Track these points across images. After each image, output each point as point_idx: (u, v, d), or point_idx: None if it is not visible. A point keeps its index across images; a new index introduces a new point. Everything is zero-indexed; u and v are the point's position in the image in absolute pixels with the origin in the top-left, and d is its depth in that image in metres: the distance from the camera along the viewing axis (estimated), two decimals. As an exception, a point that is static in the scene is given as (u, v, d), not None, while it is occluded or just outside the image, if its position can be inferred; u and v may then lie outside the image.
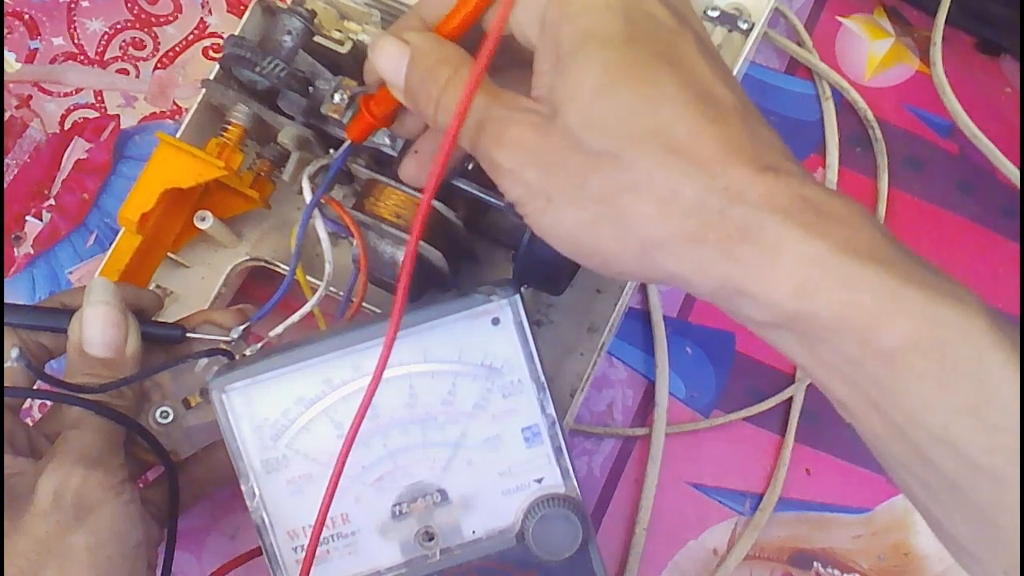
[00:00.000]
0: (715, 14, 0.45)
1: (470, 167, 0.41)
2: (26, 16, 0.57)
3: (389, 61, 0.32)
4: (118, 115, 0.56)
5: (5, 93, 0.56)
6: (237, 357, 0.40)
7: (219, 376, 0.37)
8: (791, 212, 0.26)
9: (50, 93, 0.56)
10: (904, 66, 0.58)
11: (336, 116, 0.40)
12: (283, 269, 0.48)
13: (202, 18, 0.57)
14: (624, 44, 0.28)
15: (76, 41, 0.57)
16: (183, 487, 0.40)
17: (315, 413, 0.37)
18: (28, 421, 0.40)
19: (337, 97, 0.40)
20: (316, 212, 0.41)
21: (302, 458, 0.37)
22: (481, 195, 0.41)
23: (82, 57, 0.56)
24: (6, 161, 0.55)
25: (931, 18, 0.58)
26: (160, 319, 0.42)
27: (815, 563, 0.52)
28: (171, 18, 0.57)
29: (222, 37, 0.56)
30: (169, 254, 0.47)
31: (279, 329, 0.42)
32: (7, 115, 0.55)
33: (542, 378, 0.37)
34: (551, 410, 0.37)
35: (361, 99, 0.37)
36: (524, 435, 0.38)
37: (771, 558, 0.52)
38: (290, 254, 0.45)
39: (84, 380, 0.37)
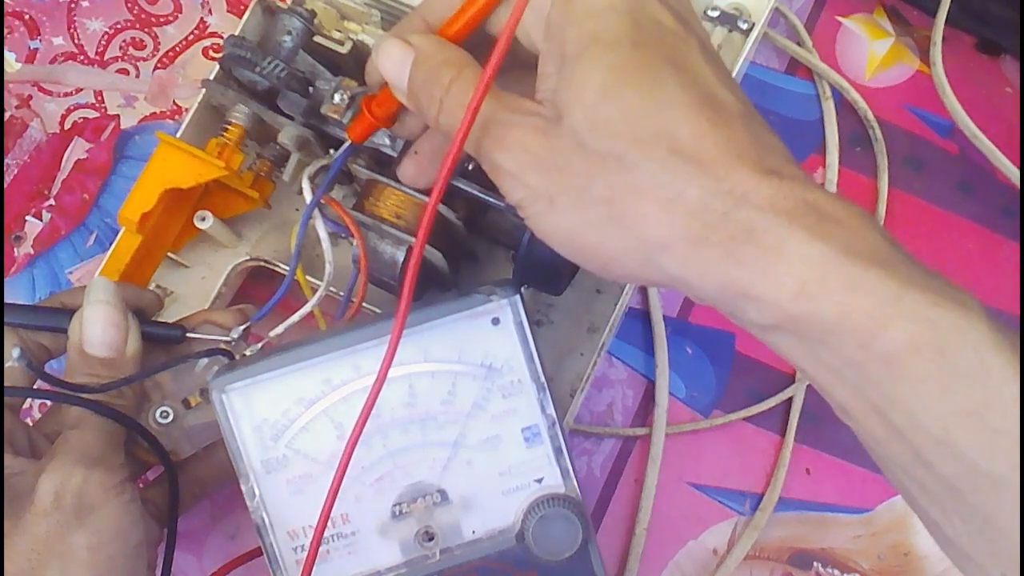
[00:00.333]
0: (715, 14, 0.45)
1: (470, 167, 0.41)
2: (26, 16, 0.57)
3: (392, 63, 0.32)
4: (118, 115, 0.56)
5: (5, 93, 0.56)
6: (237, 357, 0.40)
7: (219, 376, 0.37)
8: (794, 215, 0.27)
9: (50, 93, 0.56)
10: (904, 66, 0.58)
11: (336, 116, 0.40)
12: (283, 269, 0.48)
13: (202, 18, 0.57)
14: (630, 47, 0.28)
15: (76, 41, 0.57)
16: (183, 487, 0.40)
17: (315, 413, 0.37)
18: (28, 421, 0.40)
19: (337, 97, 0.40)
20: (316, 212, 0.41)
21: (302, 458, 0.37)
22: (481, 195, 0.41)
23: (82, 57, 0.56)
24: (6, 161, 0.55)
25: (931, 18, 0.58)
26: (160, 319, 0.42)
27: (815, 563, 0.52)
28: (171, 18, 0.57)
29: (222, 37, 0.56)
30: (169, 254, 0.47)
31: (279, 329, 0.42)
32: (7, 115, 0.55)
33: (542, 378, 0.37)
34: (551, 410, 0.37)
35: (362, 100, 0.37)
36: (524, 435, 0.38)
37: (771, 558, 0.52)
38: (290, 254, 0.45)
39: (84, 380, 0.37)
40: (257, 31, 0.46)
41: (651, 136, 0.28)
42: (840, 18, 0.59)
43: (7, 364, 0.37)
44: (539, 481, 0.38)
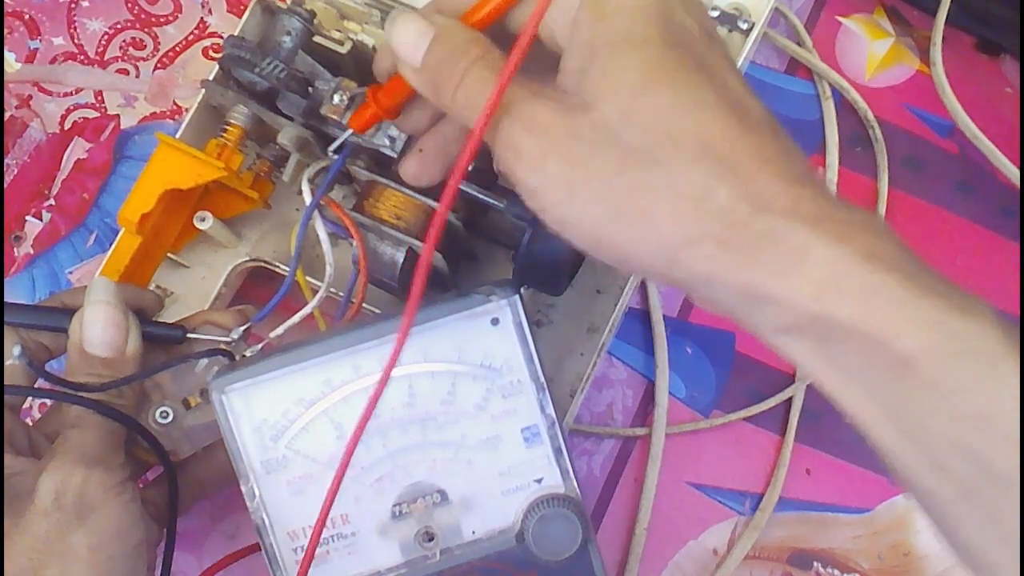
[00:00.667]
0: (715, 14, 0.45)
1: (470, 168, 0.41)
2: (26, 16, 0.57)
3: (410, 35, 0.32)
4: (118, 115, 0.56)
5: (5, 93, 0.56)
6: (237, 358, 0.40)
7: (219, 377, 0.37)
8: (816, 221, 0.27)
9: (50, 93, 0.56)
10: (904, 66, 0.58)
11: (335, 117, 0.40)
12: (283, 270, 0.48)
13: (202, 18, 0.57)
14: (663, 46, 0.29)
15: (76, 41, 0.57)
16: (183, 487, 0.40)
17: (315, 414, 0.37)
18: (28, 421, 0.40)
19: (336, 98, 0.40)
20: (316, 213, 0.41)
21: (302, 459, 0.37)
22: (481, 196, 0.41)
23: (82, 57, 0.56)
24: (6, 161, 0.55)
25: (931, 18, 0.58)
26: (160, 319, 0.42)
27: (815, 563, 0.52)
28: (171, 18, 0.57)
29: (222, 37, 0.56)
30: (169, 254, 0.47)
31: (279, 330, 0.42)
32: (7, 115, 0.55)
33: (542, 378, 0.37)
34: (551, 410, 0.37)
35: (369, 88, 0.37)
36: (524, 435, 0.38)
37: (771, 558, 0.52)
38: (290, 255, 0.45)
39: (84, 379, 0.37)
40: (257, 31, 0.46)
41: (683, 135, 0.28)
42: (840, 18, 0.59)
43: (9, 361, 0.37)
44: (539, 481, 0.38)
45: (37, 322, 0.39)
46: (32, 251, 0.54)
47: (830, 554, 0.52)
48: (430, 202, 0.41)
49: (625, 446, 0.53)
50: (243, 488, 0.37)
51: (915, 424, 0.27)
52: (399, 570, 0.38)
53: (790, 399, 0.53)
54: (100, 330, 0.37)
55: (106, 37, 0.57)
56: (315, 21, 0.43)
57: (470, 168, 0.41)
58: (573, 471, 0.38)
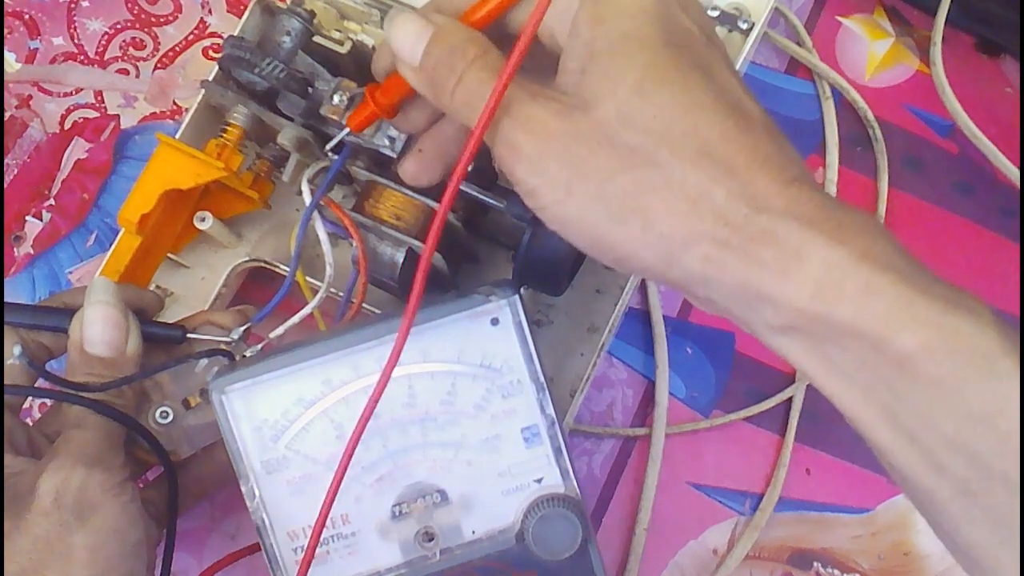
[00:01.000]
0: (715, 14, 0.45)
1: (470, 168, 0.41)
2: (26, 16, 0.57)
3: (408, 34, 0.32)
4: (118, 115, 0.56)
5: (5, 93, 0.56)
6: (237, 358, 0.40)
7: (219, 377, 0.37)
8: (814, 221, 0.27)
9: (50, 93, 0.56)
10: (904, 66, 0.58)
11: (335, 118, 0.40)
12: (283, 270, 0.48)
13: (202, 18, 0.57)
14: (662, 48, 0.29)
15: (76, 41, 0.57)
16: (183, 487, 0.40)
17: (315, 414, 0.37)
18: (28, 421, 0.40)
19: (336, 98, 0.40)
20: (316, 213, 0.41)
21: (302, 459, 0.37)
22: (481, 196, 0.41)
23: (82, 57, 0.56)
24: (6, 161, 0.55)
25: (931, 18, 0.58)
26: (160, 319, 0.42)
27: (815, 563, 0.52)
28: (171, 18, 0.57)
29: (222, 37, 0.56)
30: (169, 255, 0.47)
31: (279, 330, 0.42)
32: (7, 115, 0.55)
33: (541, 378, 0.37)
34: (551, 410, 0.37)
35: (367, 87, 0.37)
36: (524, 435, 0.38)
37: (771, 558, 0.52)
38: (290, 255, 0.45)
39: (85, 379, 0.37)
40: (256, 31, 0.46)
41: (682, 135, 0.28)
42: (840, 18, 0.59)
43: (8, 362, 0.37)
44: (539, 481, 0.38)
45: (37, 322, 0.39)
46: (32, 251, 0.54)
47: (830, 554, 0.52)
48: (430, 202, 0.41)
49: (625, 446, 0.53)
50: (243, 488, 0.37)
51: (913, 423, 0.27)
52: (399, 570, 0.38)
53: (790, 399, 0.53)
54: (100, 330, 0.37)
55: (106, 37, 0.57)
56: (315, 21, 0.43)
57: (470, 168, 0.41)
58: (573, 471, 0.38)
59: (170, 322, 0.41)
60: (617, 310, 0.47)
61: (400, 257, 0.41)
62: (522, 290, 0.38)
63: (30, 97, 0.56)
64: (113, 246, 0.43)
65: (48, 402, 0.45)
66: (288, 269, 0.43)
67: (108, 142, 0.55)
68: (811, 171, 0.30)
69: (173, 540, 0.40)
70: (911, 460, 0.27)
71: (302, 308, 0.42)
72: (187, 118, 0.46)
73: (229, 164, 0.43)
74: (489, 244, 0.46)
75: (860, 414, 0.28)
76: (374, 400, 0.33)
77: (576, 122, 0.29)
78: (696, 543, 0.52)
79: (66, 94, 0.56)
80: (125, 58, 0.57)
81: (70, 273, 0.54)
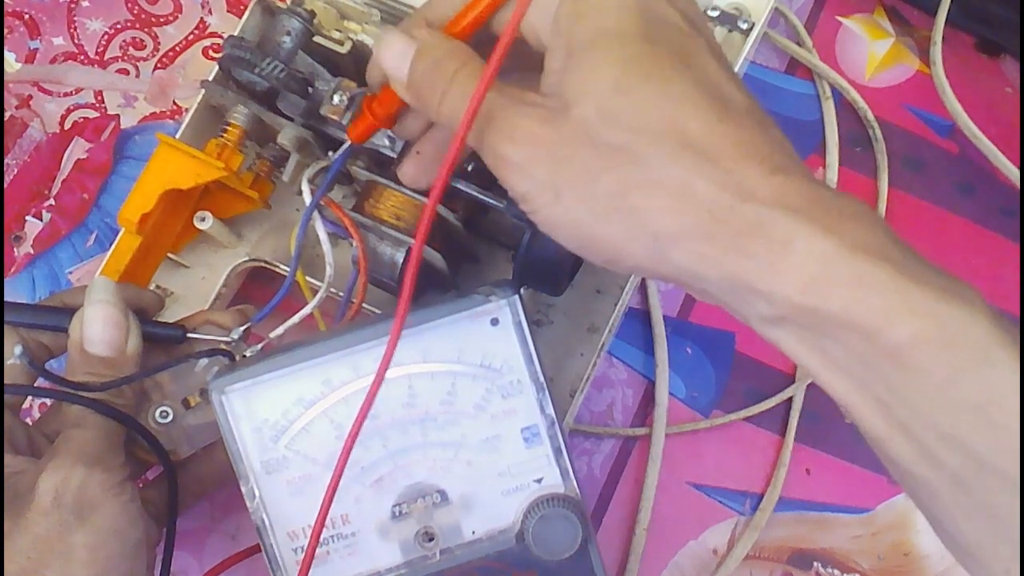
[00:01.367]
0: (715, 14, 0.45)
1: (470, 168, 0.41)
2: (26, 16, 0.57)
3: (393, 54, 0.32)
4: (118, 115, 0.56)
5: (5, 93, 0.56)
6: (237, 358, 0.40)
7: (219, 377, 0.37)
8: (802, 210, 0.27)
9: (50, 93, 0.56)
10: (904, 66, 0.58)
11: (335, 118, 0.40)
12: (283, 270, 0.48)
13: (202, 18, 0.57)
14: (640, 42, 0.29)
15: (76, 41, 0.57)
16: (182, 487, 0.40)
17: (315, 414, 0.37)
18: (28, 421, 0.40)
19: (336, 98, 0.40)
20: (316, 213, 0.41)
21: (302, 459, 0.37)
22: (481, 196, 0.41)
23: (82, 57, 0.56)
24: (6, 161, 0.55)
25: (931, 18, 0.58)
26: (161, 319, 0.42)
27: (815, 563, 0.52)
28: (171, 18, 0.57)
29: (222, 37, 0.56)
30: (169, 254, 0.47)
31: (279, 330, 0.42)
32: (7, 115, 0.55)
33: (541, 378, 0.37)
34: (550, 410, 0.37)
35: (363, 100, 0.37)
36: (523, 435, 0.38)
37: (771, 558, 0.52)
38: (290, 255, 0.45)
39: (84, 379, 0.37)
40: (256, 31, 0.46)
41: (661, 129, 0.28)
42: (840, 18, 0.59)
43: (9, 361, 0.37)
44: (539, 481, 0.38)
45: (37, 321, 0.39)
46: (32, 251, 0.54)
47: (830, 554, 0.52)
48: (430, 202, 0.41)
49: (625, 446, 0.53)
50: (243, 488, 0.37)
51: (907, 415, 0.27)
52: (399, 570, 0.38)
53: (790, 399, 0.53)
54: (100, 329, 0.37)
55: (106, 37, 0.57)
56: (315, 21, 0.43)
57: (470, 168, 0.41)
58: (573, 471, 0.38)
59: (170, 322, 0.41)
60: (617, 310, 0.47)
61: (400, 257, 0.41)
62: (522, 290, 0.38)
63: (30, 97, 0.56)
64: (113, 246, 0.43)
65: (48, 401, 0.45)
66: (288, 269, 0.43)
67: (108, 142, 0.55)
68: (802, 160, 0.29)
69: (173, 540, 0.40)
70: (906, 451, 0.27)
71: (302, 308, 0.42)
72: (187, 118, 0.46)
73: (229, 164, 0.43)
74: (489, 244, 0.46)
75: (855, 405, 0.28)
76: (369, 398, 0.33)
77: (558, 125, 0.29)
78: (696, 543, 0.52)
79: (66, 94, 0.56)
80: (125, 58, 0.57)
81: (70, 273, 0.54)
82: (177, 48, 0.57)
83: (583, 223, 0.29)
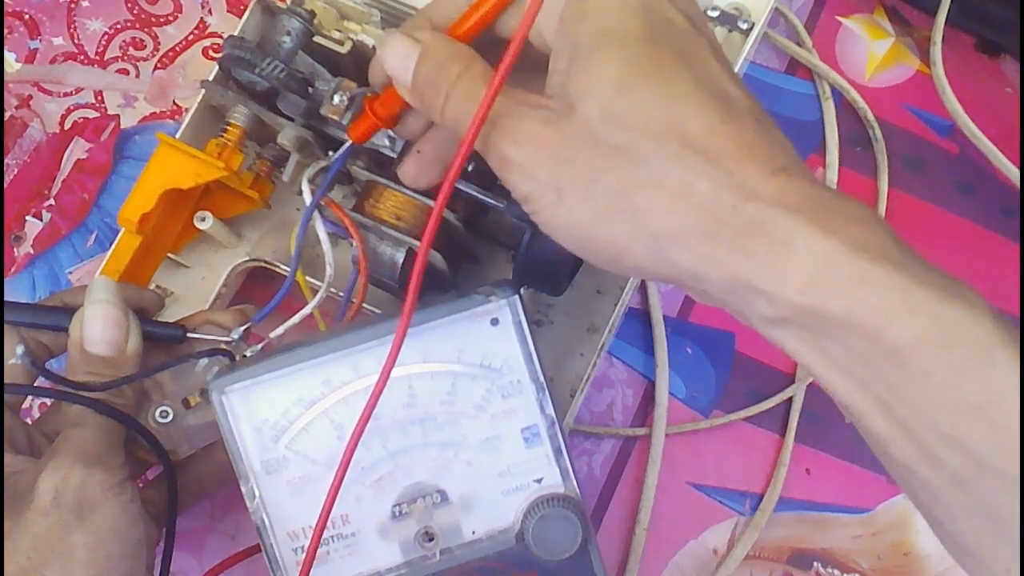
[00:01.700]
0: (715, 14, 0.45)
1: (470, 168, 0.41)
2: (26, 16, 0.57)
3: (397, 57, 0.32)
4: (118, 115, 0.56)
5: (5, 93, 0.56)
6: (237, 358, 0.40)
7: (219, 377, 0.37)
8: (803, 210, 0.27)
9: (50, 93, 0.56)
10: (904, 66, 0.58)
11: (335, 118, 0.40)
12: (283, 270, 0.48)
13: (202, 18, 0.57)
14: (643, 43, 0.29)
15: (76, 41, 0.57)
16: (182, 487, 0.40)
17: (315, 414, 0.37)
18: (28, 420, 0.40)
19: (336, 98, 0.40)
20: (316, 213, 0.41)
21: (302, 459, 0.37)
22: (481, 196, 0.41)
23: (82, 57, 0.56)
24: (6, 161, 0.55)
25: (931, 18, 0.58)
26: (161, 319, 0.42)
27: (815, 563, 0.52)
28: (171, 18, 0.57)
29: (222, 37, 0.56)
30: (169, 254, 0.47)
31: (279, 330, 0.42)
32: (7, 115, 0.55)
33: (541, 378, 0.37)
34: (550, 410, 0.37)
35: (365, 99, 0.37)
36: (523, 435, 0.38)
37: (771, 558, 0.52)
38: (290, 255, 0.45)
39: (85, 378, 0.37)
40: (256, 31, 0.46)
41: (663, 130, 0.28)
42: (840, 18, 0.59)
43: (11, 361, 0.37)
44: (539, 481, 0.38)
45: (37, 321, 0.39)
46: (32, 251, 0.54)
47: (830, 554, 0.52)
48: (430, 202, 0.41)
49: (625, 446, 0.53)
50: (243, 488, 0.37)
51: (907, 414, 0.27)
52: (399, 570, 0.38)
53: (790, 399, 0.53)
54: (100, 328, 0.37)
55: (106, 37, 0.57)
56: (315, 21, 0.43)
57: (470, 169, 0.41)
58: (573, 471, 0.38)
59: (170, 322, 0.41)
60: (617, 310, 0.47)
61: (400, 257, 0.41)
62: (522, 290, 0.38)
63: (30, 97, 0.56)
64: (113, 246, 0.43)
65: (48, 401, 0.45)
66: (288, 269, 0.43)
67: (108, 142, 0.55)
68: (803, 160, 0.29)
69: (172, 540, 0.40)
70: (906, 451, 0.27)
71: (302, 308, 0.42)
72: (187, 118, 0.46)
73: (229, 164, 0.43)
74: (489, 244, 0.46)
75: (856, 405, 0.28)
76: (372, 402, 0.33)
77: (561, 126, 0.29)
78: (696, 543, 0.52)
79: (66, 94, 0.56)
80: (125, 58, 0.57)
81: (70, 273, 0.54)
82: (177, 48, 0.57)
83: (584, 224, 0.29)
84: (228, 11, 0.57)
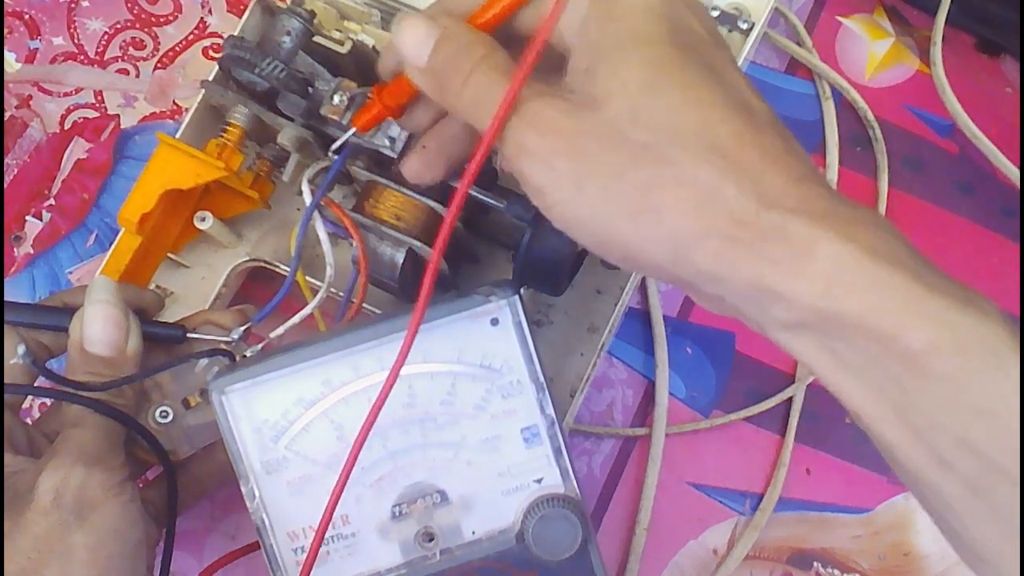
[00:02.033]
0: (715, 14, 0.45)
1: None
2: (26, 16, 0.57)
3: (415, 37, 0.32)
4: (118, 115, 0.56)
5: (5, 93, 0.56)
6: (237, 358, 0.40)
7: (219, 378, 0.37)
8: (824, 217, 0.27)
9: (50, 93, 0.56)
10: (904, 66, 0.58)
11: (335, 118, 0.40)
12: (283, 270, 0.48)
13: (202, 18, 0.57)
14: (669, 47, 0.29)
15: (76, 41, 0.57)
16: (182, 487, 0.40)
17: (315, 414, 0.37)
18: (28, 420, 0.40)
19: (336, 99, 0.40)
20: (316, 213, 0.41)
21: (302, 459, 0.37)
22: (481, 196, 0.41)
23: (82, 57, 0.56)
24: (6, 161, 0.55)
25: (931, 18, 0.58)
26: (161, 319, 0.42)
27: (815, 563, 0.52)
28: (171, 18, 0.57)
29: (222, 37, 0.56)
30: (169, 254, 0.47)
31: (279, 330, 0.42)
32: (7, 115, 0.55)
33: (541, 378, 0.37)
34: (550, 410, 0.37)
35: (373, 88, 0.37)
36: (523, 435, 0.38)
37: (771, 558, 0.52)
38: (290, 255, 0.45)
39: (85, 379, 0.37)
40: (256, 31, 0.46)
41: (691, 132, 0.28)
42: (840, 18, 0.59)
43: (12, 361, 0.37)
44: (539, 481, 0.38)
45: (37, 321, 0.39)
46: (32, 251, 0.54)
47: (830, 554, 0.52)
48: (430, 202, 0.41)
49: (625, 446, 0.53)
50: (243, 489, 0.37)
51: (920, 420, 0.27)
52: (399, 570, 0.38)
53: (790, 399, 0.53)
54: (100, 328, 0.37)
55: (106, 37, 0.57)
56: (315, 21, 0.43)
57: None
58: (573, 471, 0.38)
59: (170, 322, 0.41)
60: (617, 310, 0.47)
61: (400, 257, 0.41)
62: (522, 290, 0.38)
63: (30, 97, 0.56)
64: (113, 246, 0.43)
65: (48, 401, 0.45)
66: (288, 269, 0.43)
67: (108, 142, 0.55)
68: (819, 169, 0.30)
69: (172, 540, 0.40)
70: (918, 457, 0.27)
71: (302, 308, 0.42)
72: (187, 118, 0.46)
73: (229, 164, 0.43)
74: (489, 244, 0.46)
75: (867, 411, 0.28)
76: (377, 406, 0.33)
77: (585, 120, 0.29)
78: (696, 543, 0.52)
79: (66, 94, 0.56)
80: (125, 58, 0.56)
81: (70, 273, 0.54)
82: (177, 48, 0.57)
83: (604, 220, 0.29)
84: (228, 11, 0.57)
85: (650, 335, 0.54)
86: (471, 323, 0.37)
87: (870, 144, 0.57)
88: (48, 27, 0.57)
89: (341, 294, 0.44)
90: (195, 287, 0.48)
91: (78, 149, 0.55)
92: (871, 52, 0.58)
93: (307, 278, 0.46)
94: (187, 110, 0.48)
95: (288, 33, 0.43)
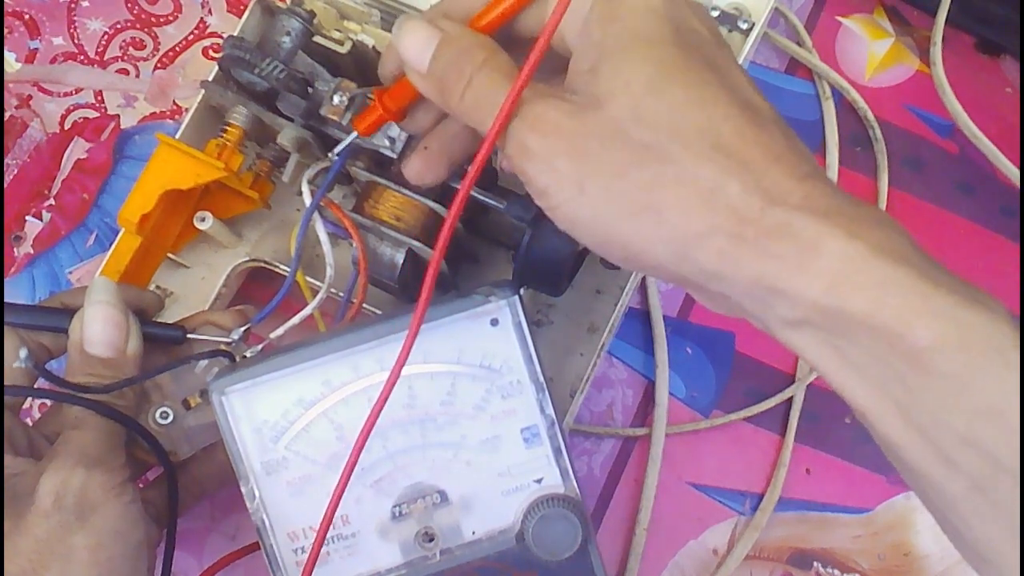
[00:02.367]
0: (715, 14, 0.45)
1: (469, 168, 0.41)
2: (26, 16, 0.57)
3: (416, 41, 0.32)
4: (118, 115, 0.56)
5: (5, 93, 0.56)
6: (237, 359, 0.40)
7: (219, 378, 0.37)
8: (829, 214, 0.27)
9: (50, 93, 0.56)
10: (904, 66, 0.58)
11: (335, 118, 0.40)
12: (283, 270, 0.48)
13: (202, 18, 0.57)
14: (672, 46, 0.29)
15: (76, 41, 0.57)
16: (183, 488, 0.40)
17: (315, 415, 0.37)
18: (28, 421, 0.40)
19: (336, 99, 0.40)
20: (316, 214, 0.41)
21: (302, 460, 0.37)
22: (481, 196, 0.41)
23: (82, 57, 0.56)
24: (6, 161, 0.55)
25: (931, 18, 0.58)
26: (160, 319, 0.42)
27: (815, 563, 0.52)
28: (171, 18, 0.57)
29: (222, 37, 0.56)
30: (169, 255, 0.47)
31: (279, 331, 0.42)
32: (7, 115, 0.55)
33: (541, 379, 0.37)
34: (550, 411, 0.37)
35: (374, 91, 0.37)
36: (523, 436, 0.38)
37: (771, 558, 0.52)
38: (290, 255, 0.45)
39: (85, 380, 0.37)
40: (256, 31, 0.46)
41: (695, 131, 0.28)
42: (840, 18, 0.59)
43: (15, 365, 0.37)
44: (539, 481, 0.38)
45: (37, 322, 0.39)
46: (32, 251, 0.54)
47: (830, 554, 0.52)
48: (429, 203, 0.41)
49: (625, 446, 0.53)
50: (243, 489, 0.37)
51: (925, 418, 0.27)
52: (399, 571, 0.38)
53: (790, 399, 0.53)
54: (100, 330, 0.37)
55: (106, 37, 0.57)
56: (315, 21, 0.43)
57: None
58: (573, 471, 0.38)
59: (170, 322, 0.41)
60: (617, 310, 0.47)
61: (400, 258, 0.41)
62: (522, 290, 0.38)
63: (30, 97, 0.56)
64: (113, 246, 0.43)
65: (48, 402, 0.45)
66: (288, 269, 0.43)
67: (108, 142, 0.55)
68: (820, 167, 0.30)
69: (173, 540, 0.40)
70: (922, 455, 0.27)
71: (302, 308, 0.42)
72: (187, 118, 0.46)
73: (229, 164, 0.43)
74: (489, 244, 0.46)
75: (871, 409, 0.28)
76: (378, 408, 0.33)
77: (587, 120, 0.29)
78: (696, 543, 0.52)
79: (66, 94, 0.56)
80: (125, 58, 0.56)
81: (70, 273, 0.54)
82: (177, 48, 0.57)
83: (606, 219, 0.29)
84: (228, 11, 0.57)
85: (650, 335, 0.54)
86: (471, 323, 0.37)
87: (870, 144, 0.57)
88: (48, 27, 0.57)
89: (341, 294, 0.44)
90: (195, 287, 0.48)
91: (78, 149, 0.55)
92: (871, 52, 0.58)
93: (307, 278, 0.46)
94: (187, 110, 0.48)
95: (288, 33, 0.43)
